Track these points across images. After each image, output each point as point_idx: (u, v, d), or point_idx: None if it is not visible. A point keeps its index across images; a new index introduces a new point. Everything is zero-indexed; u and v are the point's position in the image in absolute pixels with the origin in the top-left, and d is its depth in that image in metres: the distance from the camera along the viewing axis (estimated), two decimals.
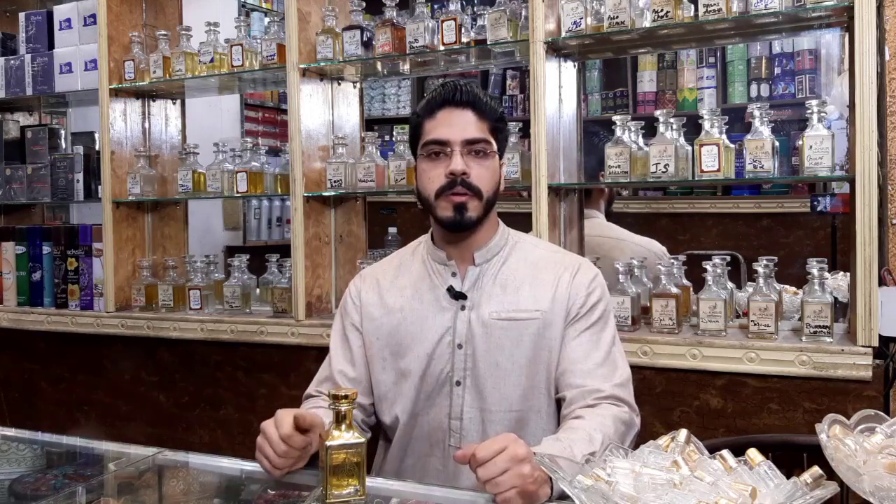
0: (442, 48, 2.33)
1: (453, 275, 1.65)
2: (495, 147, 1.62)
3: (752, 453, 1.10)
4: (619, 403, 1.55)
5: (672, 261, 2.20)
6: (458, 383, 1.61)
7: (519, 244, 1.71)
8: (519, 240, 1.73)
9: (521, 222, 2.25)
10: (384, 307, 1.68)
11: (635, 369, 2.03)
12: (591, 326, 1.62)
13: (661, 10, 2.06)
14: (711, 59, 4.54)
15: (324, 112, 2.64)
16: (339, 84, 2.70)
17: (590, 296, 1.63)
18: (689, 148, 2.08)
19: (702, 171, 2.02)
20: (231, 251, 3.81)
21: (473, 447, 1.26)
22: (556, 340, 1.61)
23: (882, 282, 1.88)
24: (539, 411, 1.61)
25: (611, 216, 2.88)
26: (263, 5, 5.09)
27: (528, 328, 1.60)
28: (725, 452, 1.11)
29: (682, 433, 1.16)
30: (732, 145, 2.04)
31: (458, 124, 1.59)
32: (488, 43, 2.27)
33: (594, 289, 1.64)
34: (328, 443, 1.24)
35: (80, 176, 2.95)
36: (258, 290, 2.70)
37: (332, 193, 2.53)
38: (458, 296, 1.62)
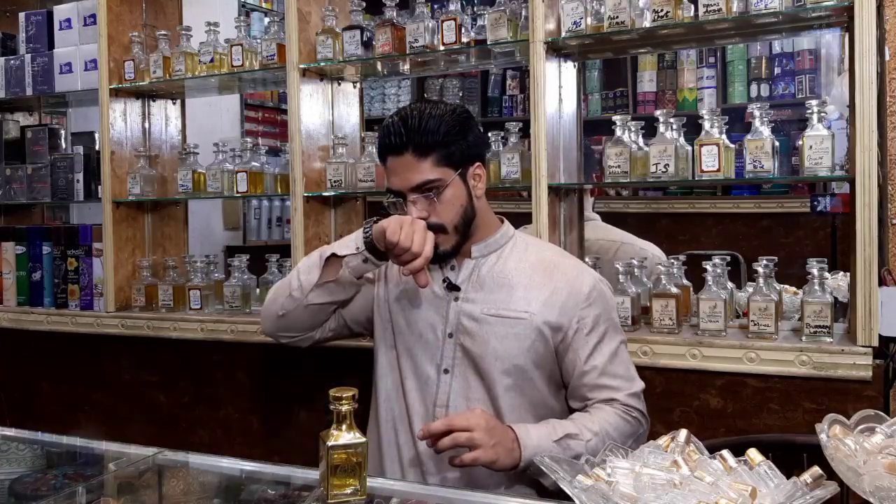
0: (442, 48, 2.33)
1: (452, 268, 1.72)
2: (448, 178, 1.62)
3: (752, 453, 1.10)
4: (629, 410, 1.64)
5: (672, 261, 2.20)
6: (445, 371, 1.67)
7: (521, 244, 1.75)
8: (523, 240, 1.77)
9: (521, 222, 2.25)
10: (398, 281, 1.76)
11: (635, 369, 2.04)
12: (602, 339, 1.66)
13: (661, 10, 2.06)
14: (711, 59, 4.55)
15: (324, 112, 2.64)
16: (339, 84, 2.70)
17: (591, 308, 1.66)
18: (689, 148, 2.08)
19: (702, 171, 2.02)
20: (231, 251, 3.81)
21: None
22: (543, 344, 1.64)
23: (882, 282, 1.88)
24: (520, 408, 1.64)
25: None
26: (263, 5, 5.09)
27: (514, 327, 1.64)
28: (725, 452, 1.12)
29: (682, 433, 1.16)
30: (732, 145, 2.04)
31: (401, 173, 1.62)
32: (488, 43, 2.27)
33: (594, 300, 1.67)
34: (329, 443, 1.24)
35: (80, 176, 2.95)
36: (258, 290, 2.69)
37: (332, 193, 2.53)
38: (451, 287, 1.69)
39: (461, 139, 1.63)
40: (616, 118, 2.16)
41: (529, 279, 1.67)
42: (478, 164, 1.68)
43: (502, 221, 1.77)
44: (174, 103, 3.06)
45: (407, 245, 1.53)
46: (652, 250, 2.67)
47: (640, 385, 1.69)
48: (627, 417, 1.62)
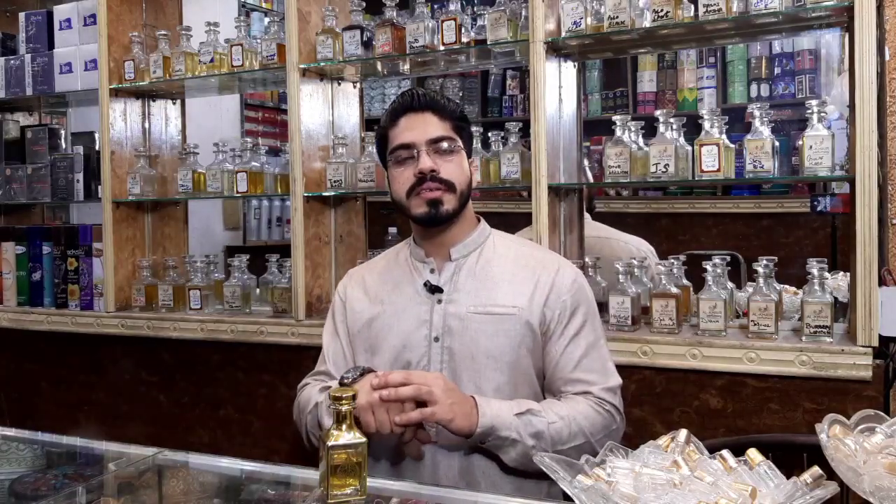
0: (442, 48, 2.33)
1: (431, 271, 1.70)
2: (461, 143, 1.67)
3: (752, 453, 1.10)
4: (602, 403, 1.62)
5: (672, 261, 2.20)
6: None
7: (499, 241, 1.75)
8: (499, 237, 1.77)
9: (521, 222, 2.25)
10: (367, 300, 1.74)
11: (635, 369, 2.04)
12: (579, 331, 1.65)
13: (661, 10, 2.06)
14: (711, 59, 4.55)
15: (324, 112, 2.64)
16: (339, 84, 2.70)
17: (571, 299, 1.66)
18: (689, 148, 2.08)
19: (702, 171, 2.02)
20: (231, 251, 3.81)
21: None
22: (532, 338, 1.64)
23: (882, 282, 1.88)
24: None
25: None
26: (263, 5, 5.09)
27: (504, 323, 1.63)
28: (725, 452, 1.12)
29: (682, 433, 1.16)
30: (732, 145, 2.04)
31: (419, 127, 1.64)
32: (488, 43, 2.27)
33: (575, 291, 1.67)
34: (329, 443, 1.24)
35: (80, 176, 2.95)
36: (258, 290, 2.70)
37: (332, 193, 2.53)
38: (433, 289, 1.67)
39: (468, 126, 1.74)
40: (616, 118, 2.16)
41: (513, 275, 1.67)
42: (471, 159, 1.74)
43: (479, 220, 1.77)
44: (174, 103, 3.06)
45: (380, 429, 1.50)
46: (636, 244, 2.67)
47: (616, 380, 1.66)
48: (600, 409, 1.60)
